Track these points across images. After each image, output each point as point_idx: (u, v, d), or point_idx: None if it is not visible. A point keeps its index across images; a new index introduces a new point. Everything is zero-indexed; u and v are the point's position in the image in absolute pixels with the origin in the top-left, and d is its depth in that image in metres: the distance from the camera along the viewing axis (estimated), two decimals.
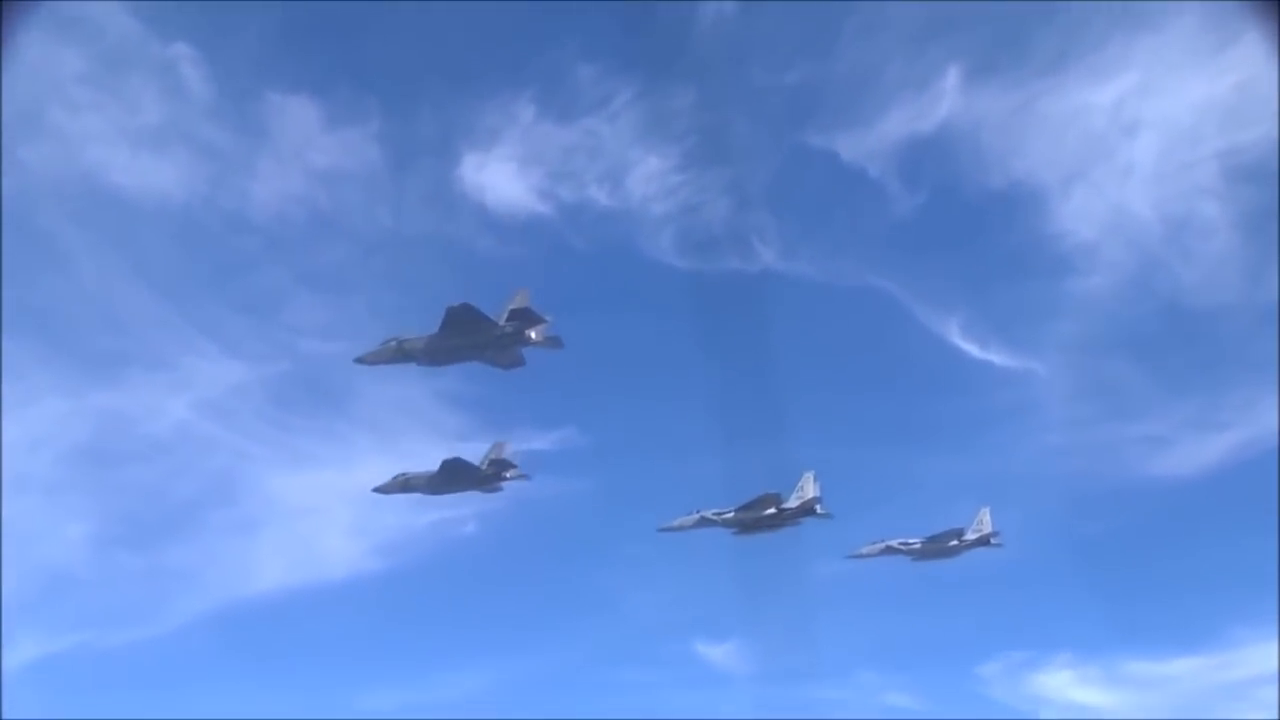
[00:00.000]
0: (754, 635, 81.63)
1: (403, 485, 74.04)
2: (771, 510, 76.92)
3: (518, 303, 65.97)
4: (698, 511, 78.56)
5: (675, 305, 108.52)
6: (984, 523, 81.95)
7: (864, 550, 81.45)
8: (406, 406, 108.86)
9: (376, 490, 75.10)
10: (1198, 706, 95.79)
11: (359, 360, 69.76)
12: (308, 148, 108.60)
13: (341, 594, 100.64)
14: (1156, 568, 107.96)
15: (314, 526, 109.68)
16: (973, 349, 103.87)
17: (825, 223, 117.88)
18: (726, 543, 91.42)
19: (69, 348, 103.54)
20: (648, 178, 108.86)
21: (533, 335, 66.68)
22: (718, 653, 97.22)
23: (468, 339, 66.17)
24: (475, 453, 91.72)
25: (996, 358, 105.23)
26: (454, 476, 72.86)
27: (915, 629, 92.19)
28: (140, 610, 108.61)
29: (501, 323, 65.92)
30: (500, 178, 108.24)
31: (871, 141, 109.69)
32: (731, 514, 77.53)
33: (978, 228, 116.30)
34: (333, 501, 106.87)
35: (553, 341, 67.81)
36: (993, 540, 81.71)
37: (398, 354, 68.25)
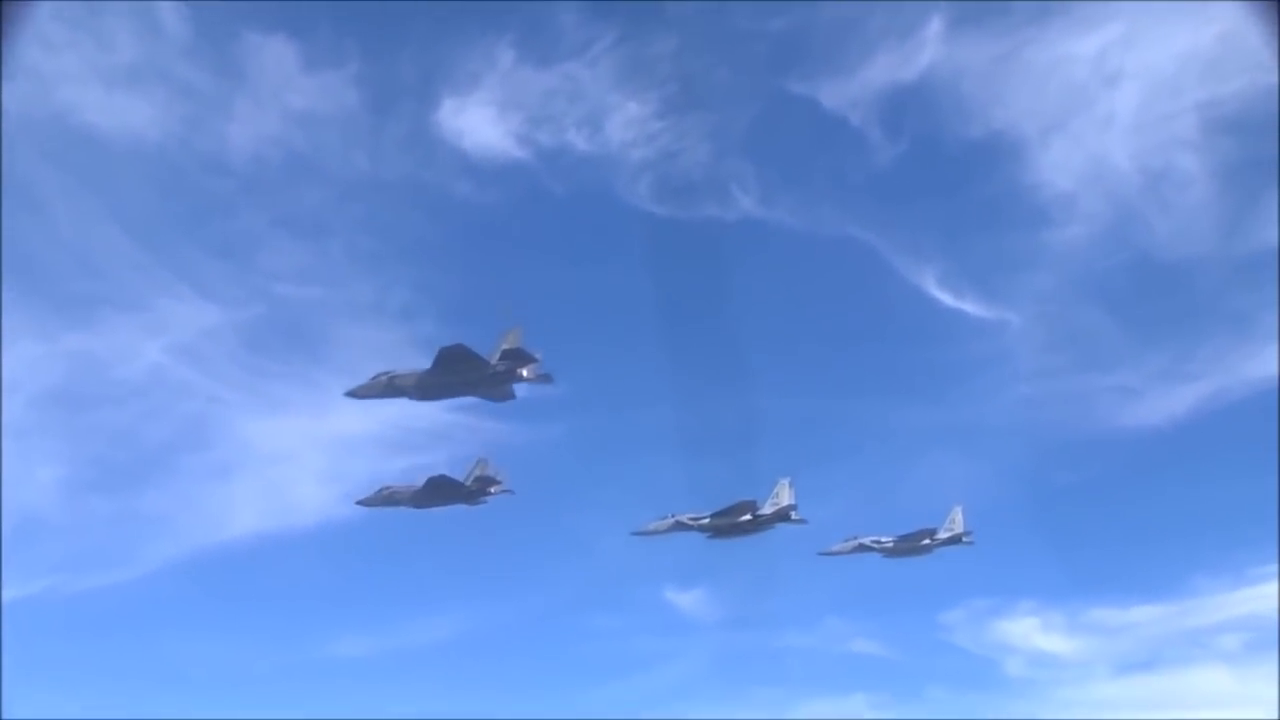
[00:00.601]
0: (722, 583, 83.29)
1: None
2: (747, 516, 77.17)
3: (509, 342, 65.54)
4: (673, 515, 78.63)
5: (652, 252, 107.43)
6: (956, 522, 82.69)
7: (836, 548, 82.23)
8: (382, 353, 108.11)
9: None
10: (1158, 652, 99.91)
11: (350, 394, 68.60)
12: (285, 89, 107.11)
13: (313, 540, 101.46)
14: (1122, 517, 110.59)
15: (287, 472, 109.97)
16: (948, 299, 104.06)
17: (805, 171, 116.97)
18: (696, 494, 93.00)
19: (42, 290, 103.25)
20: (627, 123, 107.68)
21: (524, 373, 66.33)
22: (687, 599, 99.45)
23: (459, 377, 65.78)
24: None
25: (971, 308, 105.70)
26: (438, 492, 72.50)
27: (881, 577, 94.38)
28: (112, 555, 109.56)
29: (494, 362, 65.49)
30: (479, 122, 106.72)
31: (853, 89, 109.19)
32: (707, 519, 77.73)
33: (957, 178, 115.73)
34: (306, 447, 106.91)
35: (544, 378, 67.37)
36: (965, 539, 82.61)
37: (388, 389, 67.52)
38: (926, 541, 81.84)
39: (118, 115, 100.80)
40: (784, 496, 77.78)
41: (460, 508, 73.97)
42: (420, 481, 73.03)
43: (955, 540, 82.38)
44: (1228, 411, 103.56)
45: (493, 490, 73.00)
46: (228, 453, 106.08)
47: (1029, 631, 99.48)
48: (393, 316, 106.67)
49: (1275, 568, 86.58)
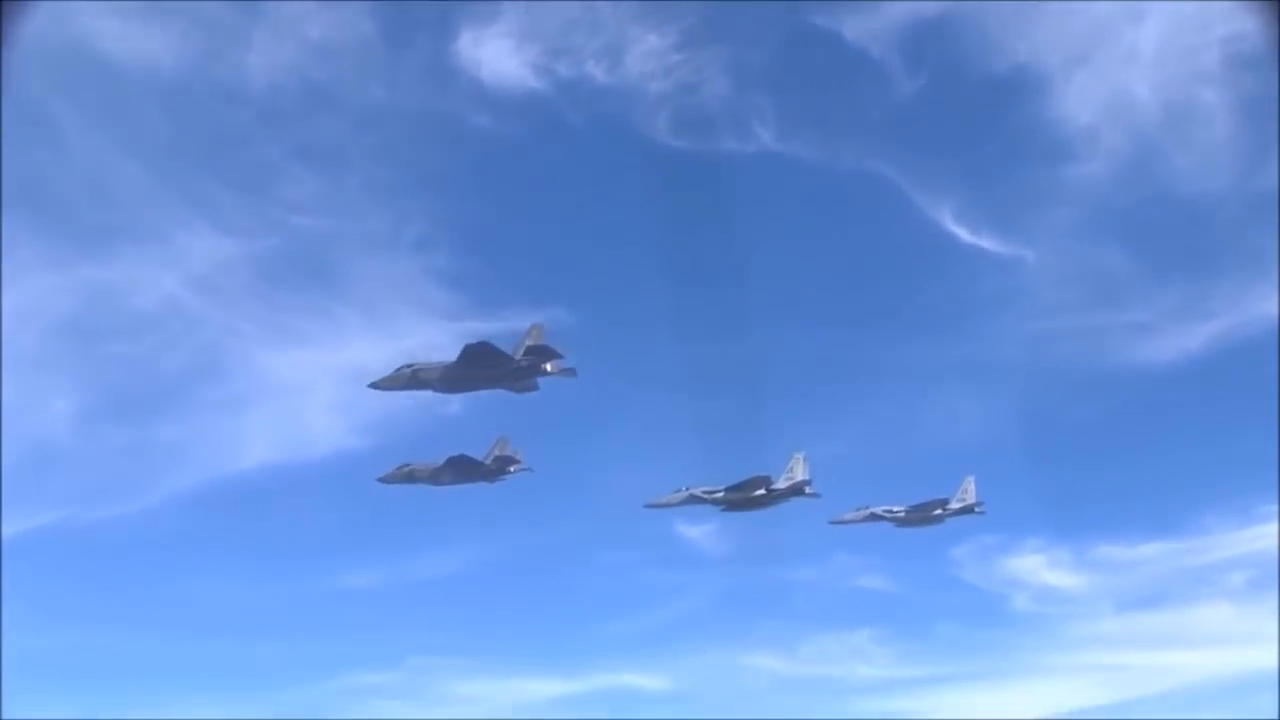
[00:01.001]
0: (732, 517, 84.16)
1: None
2: (761, 491, 77.21)
3: (533, 339, 65.55)
4: (686, 488, 78.64)
5: (670, 185, 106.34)
6: (969, 492, 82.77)
7: (847, 516, 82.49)
8: (397, 285, 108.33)
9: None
10: (1164, 589, 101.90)
11: (373, 385, 68.32)
12: (303, 19, 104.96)
13: (326, 472, 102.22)
14: (1131, 454, 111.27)
15: (301, 404, 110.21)
16: (964, 234, 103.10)
17: (824, 104, 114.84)
18: (709, 431, 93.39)
19: (57, 220, 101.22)
20: (646, 55, 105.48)
21: (548, 368, 66.44)
22: (697, 533, 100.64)
23: (484, 372, 65.74)
24: (464, 332, 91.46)
25: (987, 243, 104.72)
26: (458, 470, 72.53)
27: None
28: (124, 486, 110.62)
29: (518, 357, 65.42)
30: (497, 53, 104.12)
31: (875, 22, 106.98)
32: (721, 493, 77.79)
33: (978, 112, 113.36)
34: (320, 379, 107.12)
35: (567, 372, 67.28)
36: (977, 509, 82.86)
37: (412, 381, 67.10)
38: (938, 512, 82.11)
39: (134, 44, 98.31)
40: (798, 471, 77.67)
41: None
42: (441, 460, 73.05)
43: (967, 510, 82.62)
44: (1241, 349, 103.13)
45: (512, 469, 73.16)
46: (242, 384, 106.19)
47: (1036, 568, 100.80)
48: (409, 248, 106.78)
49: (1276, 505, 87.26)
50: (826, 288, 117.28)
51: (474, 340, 65.17)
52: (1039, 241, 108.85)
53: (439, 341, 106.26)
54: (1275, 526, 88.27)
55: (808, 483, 77.77)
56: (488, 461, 72.87)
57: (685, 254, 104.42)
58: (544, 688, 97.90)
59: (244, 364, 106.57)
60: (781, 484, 77.41)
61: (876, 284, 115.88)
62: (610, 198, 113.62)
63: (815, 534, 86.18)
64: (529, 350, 65.30)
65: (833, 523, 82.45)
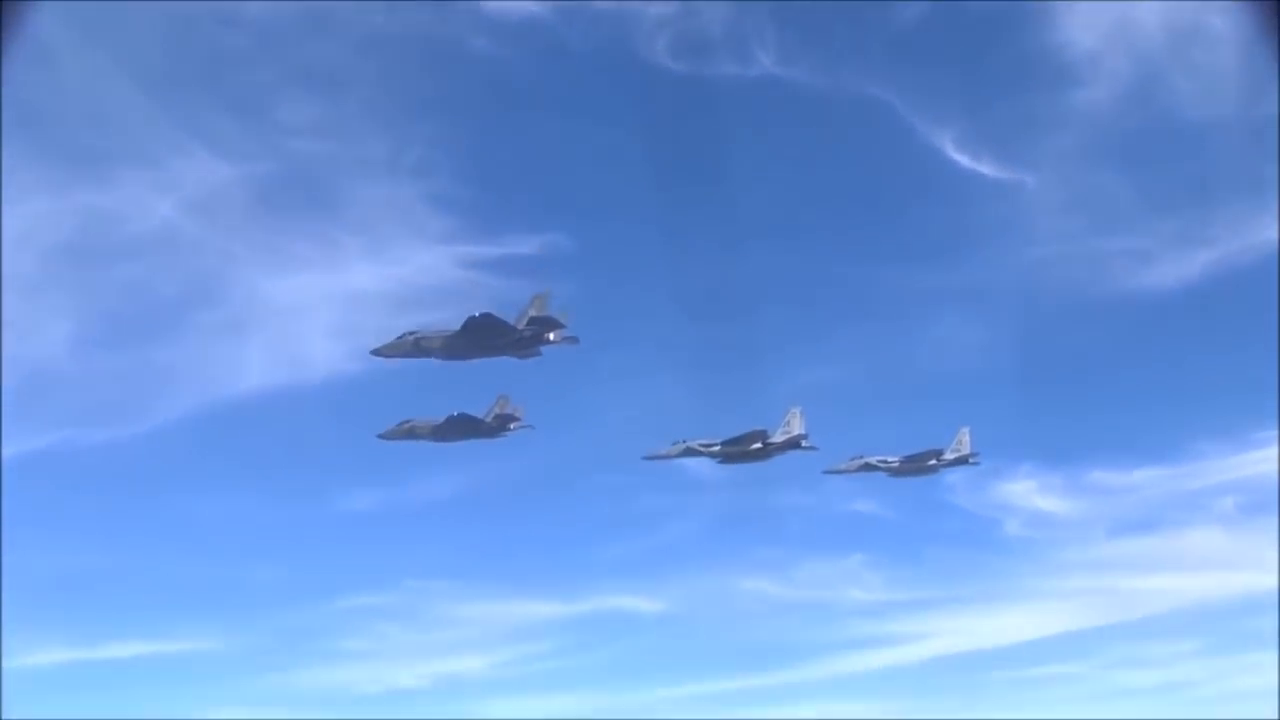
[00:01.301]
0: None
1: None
2: (758, 445, 77.80)
3: (536, 309, 65.78)
4: (684, 441, 79.24)
5: (669, 110, 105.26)
6: (963, 443, 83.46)
7: (841, 466, 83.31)
8: (396, 209, 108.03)
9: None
10: (1156, 514, 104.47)
11: (375, 352, 68.32)
12: None
13: (324, 395, 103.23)
14: (1127, 380, 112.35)
15: (298, 327, 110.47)
16: (965, 161, 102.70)
17: (825, 29, 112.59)
18: (705, 352, 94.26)
19: (53, 144, 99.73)
20: None
21: (550, 337, 66.76)
22: (694, 459, 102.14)
23: (486, 341, 65.93)
24: (462, 256, 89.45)
25: (988, 170, 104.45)
26: (458, 428, 72.89)
27: (886, 435, 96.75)
28: (121, 409, 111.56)
29: (521, 327, 65.72)
30: None
31: None
32: (718, 446, 78.40)
33: (980, 37, 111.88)
34: (318, 302, 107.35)
35: (570, 340, 67.48)
36: (971, 460, 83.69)
37: (415, 349, 67.15)
38: (933, 462, 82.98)
39: None
40: (795, 425, 78.16)
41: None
42: (441, 418, 73.33)
43: (962, 461, 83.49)
44: (1240, 277, 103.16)
45: (512, 426, 73.40)
46: (239, 308, 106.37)
47: (1028, 493, 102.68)
48: (408, 173, 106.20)
49: (1276, 432, 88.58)
50: (826, 213, 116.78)
51: (477, 313, 65.16)
52: (1040, 167, 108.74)
53: (435, 264, 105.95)
54: (1269, 452, 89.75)
55: (804, 437, 78.33)
56: (489, 420, 73.14)
57: (683, 179, 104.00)
58: (540, 610, 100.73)
59: (242, 288, 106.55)
60: (778, 438, 78.00)
61: (876, 210, 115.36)
62: (609, 122, 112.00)
63: (809, 473, 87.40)
64: (532, 320, 65.42)
65: (827, 472, 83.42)
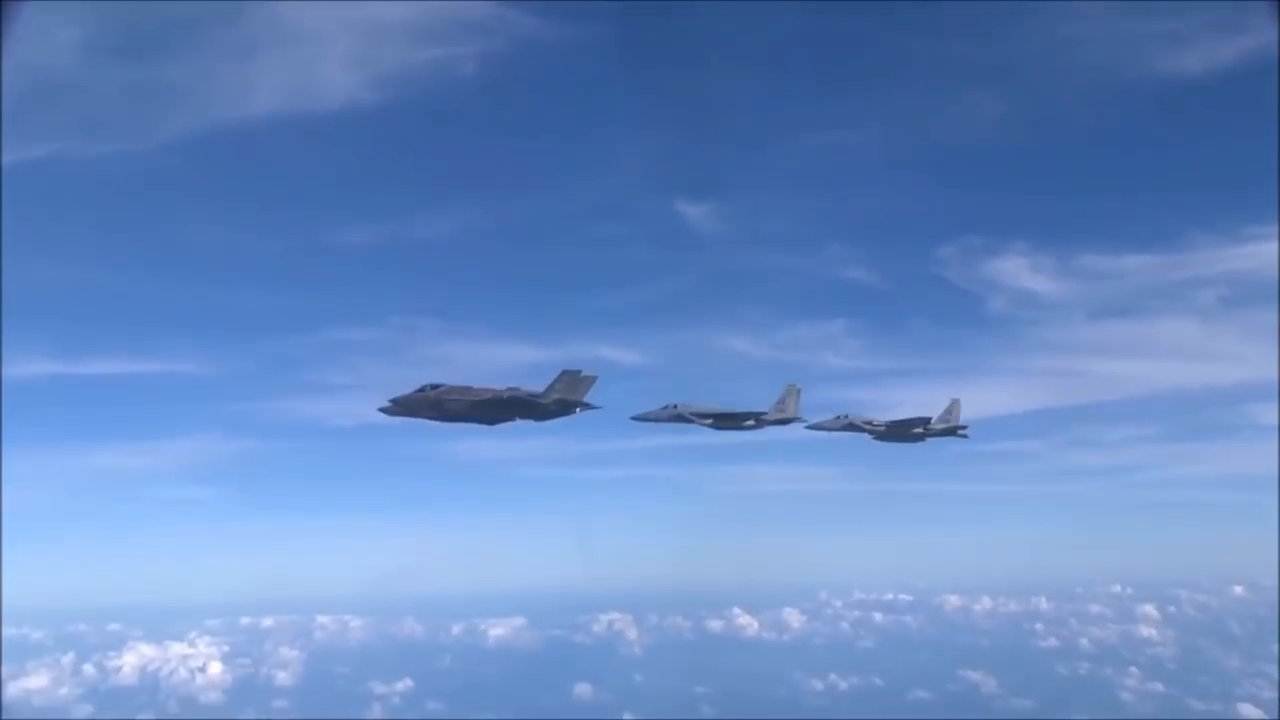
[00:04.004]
0: (733, 198, 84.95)
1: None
2: (750, 422, 75.41)
3: (564, 390, 64.71)
4: (675, 406, 75.99)
5: None
6: (954, 414, 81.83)
7: (825, 422, 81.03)
8: None
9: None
10: (1138, 301, 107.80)
11: (387, 409, 62.85)
12: None
13: (332, 125, 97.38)
14: (1134, 166, 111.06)
15: (313, 53, 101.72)
16: None
17: None
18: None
19: None
20: None
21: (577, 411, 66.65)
22: (696, 212, 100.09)
23: (511, 411, 65.46)
24: None
25: None
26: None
27: (884, 206, 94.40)
28: (124, 123, 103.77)
29: (547, 402, 64.94)
30: None
31: None
32: (710, 421, 75.70)
33: None
34: (336, 29, 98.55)
35: (587, 408, 66.48)
36: (960, 432, 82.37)
37: (433, 408, 63.34)
38: (919, 430, 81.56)
39: None
40: (790, 406, 75.62)
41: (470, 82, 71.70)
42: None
43: (950, 431, 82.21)
44: (1269, 71, 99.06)
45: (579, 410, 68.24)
46: (256, 29, 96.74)
47: (1017, 270, 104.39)
48: None
49: (1275, 227, 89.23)
50: None
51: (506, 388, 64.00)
52: None
53: None
54: (1258, 247, 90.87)
55: (799, 418, 76.16)
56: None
57: None
58: (521, 354, 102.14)
59: (261, 8, 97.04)
60: (772, 414, 75.62)
61: None
62: None
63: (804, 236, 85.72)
64: (557, 400, 64.54)
65: (808, 428, 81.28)
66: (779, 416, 75.82)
